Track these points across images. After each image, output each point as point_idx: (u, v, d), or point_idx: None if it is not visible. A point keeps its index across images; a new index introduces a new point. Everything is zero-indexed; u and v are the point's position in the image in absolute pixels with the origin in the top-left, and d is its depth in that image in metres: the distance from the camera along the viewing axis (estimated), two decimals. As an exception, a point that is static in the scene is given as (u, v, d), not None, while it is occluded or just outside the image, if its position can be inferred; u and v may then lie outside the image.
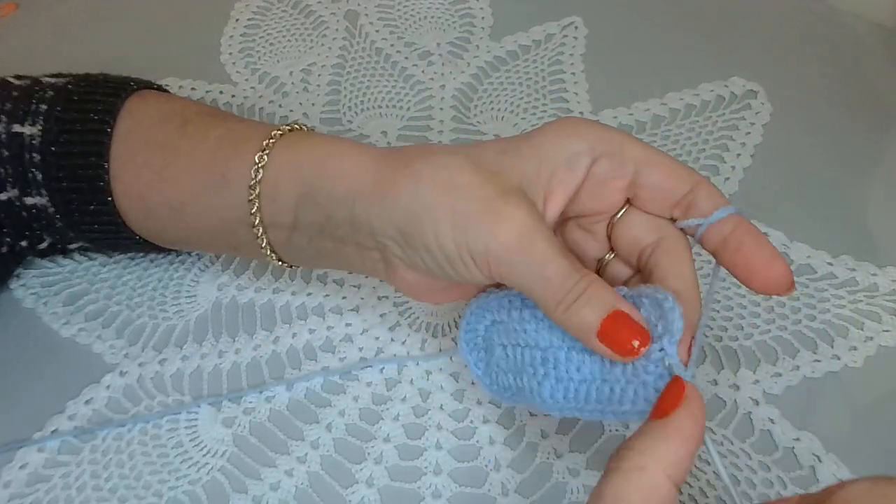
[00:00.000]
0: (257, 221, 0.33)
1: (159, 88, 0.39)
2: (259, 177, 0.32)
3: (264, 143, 0.33)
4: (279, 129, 0.34)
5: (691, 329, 0.29)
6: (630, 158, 0.30)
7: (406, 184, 0.30)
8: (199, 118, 0.36)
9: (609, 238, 0.32)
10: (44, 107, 0.36)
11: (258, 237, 0.33)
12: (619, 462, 0.24)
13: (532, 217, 0.29)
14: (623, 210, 0.32)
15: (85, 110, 0.35)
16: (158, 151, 0.35)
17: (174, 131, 0.35)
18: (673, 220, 0.31)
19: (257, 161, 0.32)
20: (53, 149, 0.35)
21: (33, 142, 0.35)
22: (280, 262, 0.35)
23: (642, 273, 0.32)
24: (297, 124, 0.35)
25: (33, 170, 0.35)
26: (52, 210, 0.36)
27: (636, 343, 0.27)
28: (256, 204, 0.33)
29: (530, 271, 0.29)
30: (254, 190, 0.32)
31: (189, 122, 0.35)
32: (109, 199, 0.35)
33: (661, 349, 0.27)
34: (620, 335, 0.28)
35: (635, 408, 0.28)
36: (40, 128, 0.35)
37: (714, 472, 0.31)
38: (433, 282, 0.32)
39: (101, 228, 0.37)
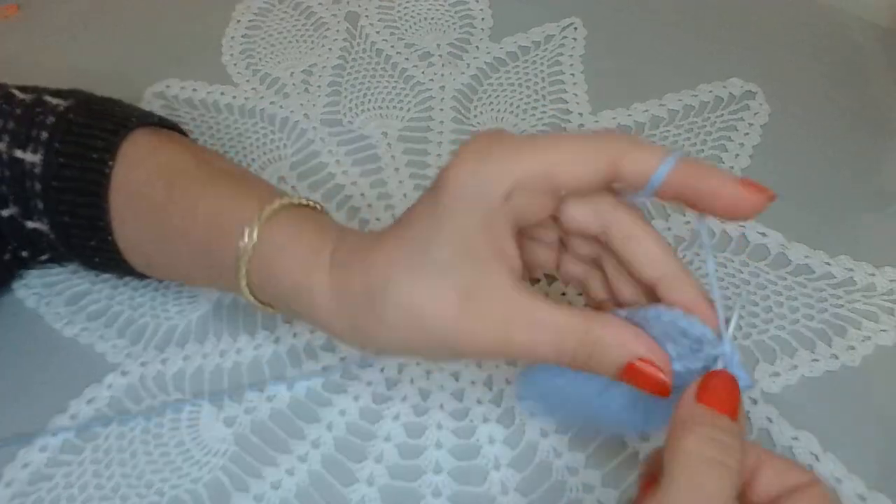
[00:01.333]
0: (254, 300, 0.34)
1: (161, 121, 0.39)
2: (243, 271, 0.32)
3: (240, 244, 0.32)
4: (258, 219, 0.32)
5: (704, 301, 0.28)
6: (538, 182, 0.28)
7: (379, 332, 0.29)
8: (185, 181, 0.35)
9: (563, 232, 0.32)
10: (45, 135, 0.35)
11: (260, 307, 0.34)
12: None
13: (503, 307, 0.28)
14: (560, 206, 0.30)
15: (85, 145, 0.35)
16: (149, 212, 0.35)
17: (162, 193, 0.34)
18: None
19: (239, 257, 0.32)
20: (55, 183, 0.35)
21: (34, 170, 0.35)
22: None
23: (615, 257, 0.30)
24: (283, 199, 0.33)
25: (35, 199, 0.36)
26: (52, 237, 0.37)
27: (662, 378, 0.27)
28: (248, 289, 0.33)
29: (527, 356, 0.28)
30: (241, 279, 0.33)
31: (175, 186, 0.34)
32: (110, 237, 0.36)
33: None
34: (641, 381, 0.27)
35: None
36: (41, 158, 0.35)
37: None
38: None
39: (102, 261, 0.37)
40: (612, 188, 0.29)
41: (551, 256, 0.33)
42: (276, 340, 0.40)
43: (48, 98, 0.37)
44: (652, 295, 0.29)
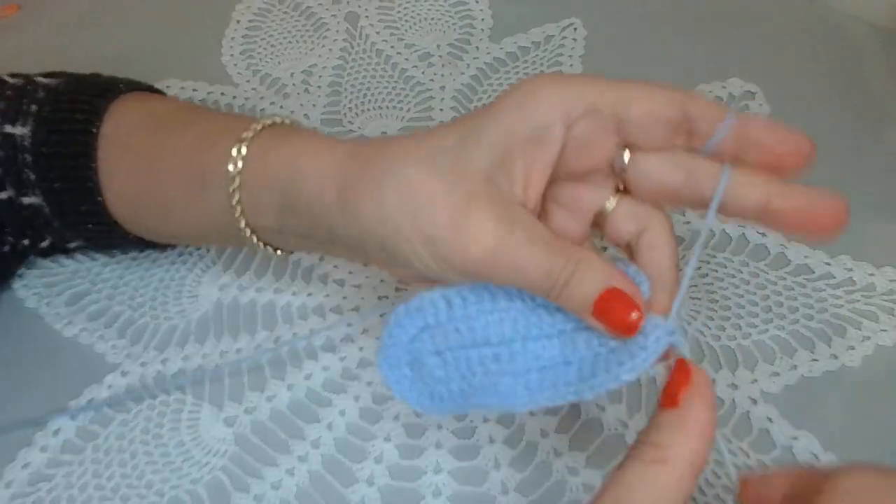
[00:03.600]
0: (243, 225, 0.33)
1: (151, 89, 0.39)
2: (237, 184, 0.32)
3: (233, 152, 0.32)
4: (248, 130, 0.32)
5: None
6: (608, 108, 0.28)
7: (372, 209, 0.29)
8: (172, 120, 0.35)
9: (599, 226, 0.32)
10: (34, 107, 0.36)
11: (248, 237, 0.34)
12: (641, 454, 0.24)
13: (502, 222, 0.28)
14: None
15: (72, 110, 0.36)
16: (138, 157, 0.35)
17: (151, 135, 0.35)
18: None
19: (231, 170, 0.32)
20: (43, 150, 0.35)
21: (24, 143, 0.35)
22: (276, 251, 0.35)
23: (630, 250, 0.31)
24: (269, 119, 0.34)
25: (26, 170, 0.36)
26: (47, 210, 0.37)
27: (634, 315, 0.27)
28: (240, 208, 0.33)
29: (511, 276, 0.28)
30: (234, 197, 0.32)
31: (164, 123, 0.35)
32: (100, 198, 0.36)
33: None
34: (615, 311, 0.27)
35: (607, 379, 0.27)
36: (30, 128, 0.36)
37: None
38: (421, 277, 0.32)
39: (95, 228, 0.37)
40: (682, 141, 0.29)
41: (577, 230, 0.31)
42: (276, 340, 0.40)
43: (39, 79, 0.38)
44: None
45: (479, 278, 0.29)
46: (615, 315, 0.27)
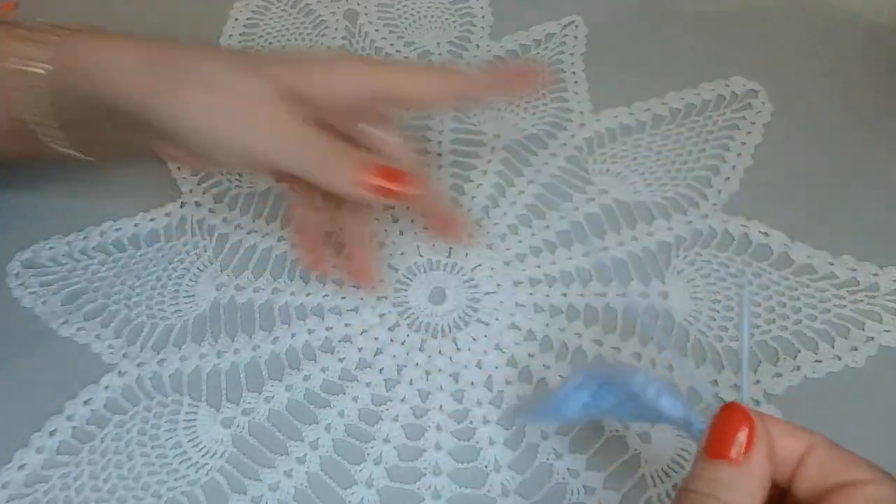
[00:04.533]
0: (55, 128, 0.36)
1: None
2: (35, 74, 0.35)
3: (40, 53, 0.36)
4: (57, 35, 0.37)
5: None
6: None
7: (177, 94, 0.34)
8: None
9: None
10: None
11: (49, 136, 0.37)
12: None
13: (284, 117, 0.34)
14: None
15: None
16: None
17: None
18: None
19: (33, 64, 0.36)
20: None
21: None
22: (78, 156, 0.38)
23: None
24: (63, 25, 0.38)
25: None
26: None
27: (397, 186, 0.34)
28: (46, 101, 0.36)
29: (269, 160, 0.35)
30: (34, 88, 0.35)
31: None
32: None
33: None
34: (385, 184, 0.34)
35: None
36: None
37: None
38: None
39: None
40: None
41: None
42: (274, 341, 0.40)
43: None
44: None
45: (263, 164, 0.36)
46: (380, 188, 0.34)
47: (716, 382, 0.38)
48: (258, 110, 0.34)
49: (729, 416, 0.25)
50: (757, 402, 0.37)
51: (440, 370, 0.39)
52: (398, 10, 0.58)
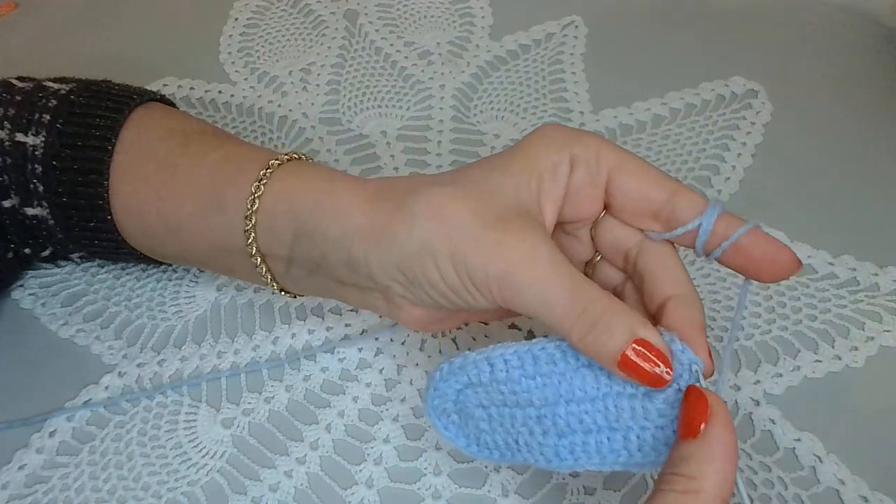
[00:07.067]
0: (254, 251, 0.33)
1: (162, 99, 0.39)
2: (255, 207, 0.32)
3: (261, 172, 0.32)
4: (277, 158, 0.33)
5: (703, 330, 0.29)
6: (604, 165, 0.30)
7: (401, 223, 0.29)
8: (201, 137, 0.35)
9: (593, 240, 0.32)
10: (47, 117, 0.35)
11: (257, 266, 0.33)
12: (673, 486, 0.24)
13: (531, 239, 0.28)
14: (603, 213, 0.31)
15: (87, 125, 0.35)
16: (158, 167, 0.34)
17: (175, 148, 0.35)
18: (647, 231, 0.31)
19: (254, 191, 0.32)
20: (55, 163, 0.35)
21: (36, 153, 0.35)
22: (281, 292, 0.35)
23: (632, 277, 0.31)
24: (296, 153, 0.34)
25: (35, 181, 0.35)
26: (52, 222, 0.36)
27: (660, 370, 0.26)
28: (253, 234, 0.32)
29: (532, 301, 0.28)
30: (250, 220, 0.32)
31: (191, 140, 0.35)
32: (109, 217, 0.35)
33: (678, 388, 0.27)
34: (642, 365, 0.26)
35: (658, 458, 0.27)
36: (42, 139, 0.35)
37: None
38: (437, 313, 0.32)
39: (101, 244, 0.37)
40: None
41: (579, 262, 0.33)
42: (275, 341, 0.40)
43: (49, 83, 0.37)
44: (654, 317, 0.30)
45: (499, 296, 0.28)
46: (642, 369, 0.27)
47: (715, 383, 0.38)
48: (501, 229, 0.28)
49: (689, 398, 0.26)
50: (757, 403, 0.37)
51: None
52: (398, 10, 0.58)
